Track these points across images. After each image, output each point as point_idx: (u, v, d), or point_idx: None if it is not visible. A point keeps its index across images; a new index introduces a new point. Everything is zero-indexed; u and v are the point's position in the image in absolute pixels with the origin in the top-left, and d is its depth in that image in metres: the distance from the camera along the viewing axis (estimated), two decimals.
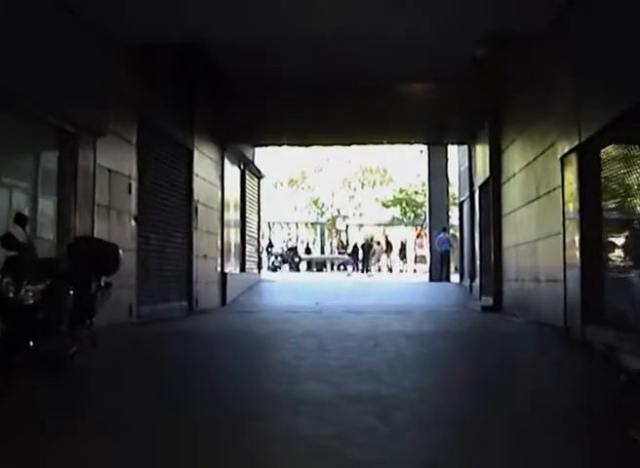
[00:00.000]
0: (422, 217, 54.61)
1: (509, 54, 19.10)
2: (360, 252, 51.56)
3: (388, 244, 50.35)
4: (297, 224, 61.73)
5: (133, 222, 16.36)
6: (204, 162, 21.99)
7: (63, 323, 8.69)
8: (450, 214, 36.64)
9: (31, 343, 7.82)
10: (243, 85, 23.28)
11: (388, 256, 48.63)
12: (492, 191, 21.16)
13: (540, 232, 16.07)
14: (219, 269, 23.65)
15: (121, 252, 10.61)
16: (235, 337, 13.93)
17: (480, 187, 23.90)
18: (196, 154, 21.04)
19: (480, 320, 18.58)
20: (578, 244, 13.10)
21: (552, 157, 14.69)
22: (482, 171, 23.14)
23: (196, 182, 20.95)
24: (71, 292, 8.87)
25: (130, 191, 16.21)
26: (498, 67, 20.40)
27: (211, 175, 22.84)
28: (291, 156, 60.52)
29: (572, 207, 13.39)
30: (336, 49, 20.50)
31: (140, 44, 15.99)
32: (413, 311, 20.83)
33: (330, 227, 63.68)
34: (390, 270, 46.39)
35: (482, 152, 23.15)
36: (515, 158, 18.84)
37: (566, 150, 13.52)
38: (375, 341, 12.98)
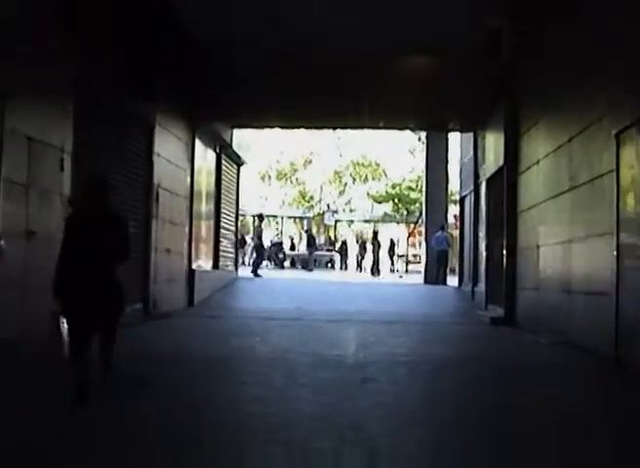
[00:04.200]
0: (416, 214, 51.61)
1: (531, 10, 15.96)
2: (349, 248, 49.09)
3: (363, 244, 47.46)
4: (282, 218, 58.55)
5: (62, 207, 12.98)
6: (168, 140, 18.74)
7: None
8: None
9: None
10: (218, 53, 20.06)
11: (363, 257, 45.98)
12: (506, 183, 17.94)
13: (577, 231, 12.79)
14: (185, 265, 20.40)
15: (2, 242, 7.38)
16: (182, 364, 10.38)
17: (489, 179, 20.72)
18: (158, 130, 17.78)
19: (495, 338, 15.18)
20: None
21: (599, 134, 11.46)
22: (493, 160, 19.94)
23: (157, 164, 17.71)
24: None
25: (62, 168, 12.86)
26: (516, 30, 17.20)
27: (177, 156, 19.58)
28: (280, 147, 57.92)
29: (632, 199, 10.11)
30: (326, 12, 17.56)
31: None
32: (409, 322, 17.62)
33: (318, 223, 60.52)
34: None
35: (494, 138, 19.97)
36: (539, 142, 15.61)
37: (627, 122, 10.23)
38: (363, 373, 9.63)
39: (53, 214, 12.62)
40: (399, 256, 47.87)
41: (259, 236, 33.23)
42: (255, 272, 30.92)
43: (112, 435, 6.49)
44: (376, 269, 40.43)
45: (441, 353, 12.24)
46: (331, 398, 8.04)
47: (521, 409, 7.99)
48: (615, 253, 10.57)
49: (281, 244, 47.42)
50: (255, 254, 32.95)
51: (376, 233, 44.95)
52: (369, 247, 44.59)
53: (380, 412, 7.56)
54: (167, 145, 18.51)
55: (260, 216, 35.04)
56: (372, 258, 41.79)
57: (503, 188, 18.13)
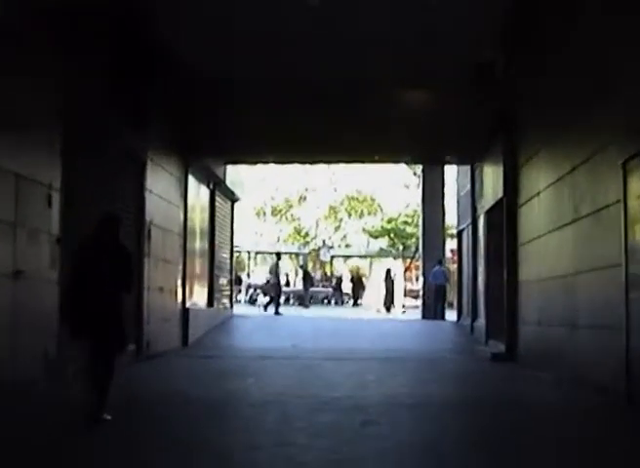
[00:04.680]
0: (412, 249, 51.19)
1: (529, 39, 15.69)
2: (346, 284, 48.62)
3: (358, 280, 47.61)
4: (277, 255, 57.96)
5: (51, 245, 12.58)
6: (161, 177, 18.37)
7: None
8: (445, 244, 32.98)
9: None
10: (211, 90, 19.75)
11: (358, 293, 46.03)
12: (505, 215, 17.54)
13: (582, 264, 12.38)
14: (179, 304, 19.96)
15: None
16: (176, 407, 9.86)
17: (488, 212, 20.30)
18: (150, 166, 17.41)
19: (497, 376, 14.68)
20: None
21: (604, 164, 11.10)
22: (491, 193, 19.57)
23: (149, 200, 17.32)
24: None
25: (50, 205, 12.47)
26: (513, 62, 16.94)
27: (170, 193, 19.19)
28: (275, 183, 57.57)
29: None
30: (321, 49, 17.59)
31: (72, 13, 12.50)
32: (408, 359, 17.20)
33: (313, 259, 60.01)
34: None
35: (492, 171, 19.61)
36: (540, 173, 15.24)
37: (633, 151, 9.87)
38: (363, 416, 9.10)
39: (41, 252, 12.24)
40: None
41: (277, 274, 33.21)
42: (276, 311, 31.26)
43: None
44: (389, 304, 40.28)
45: (443, 393, 11.66)
46: (330, 443, 7.56)
47: (536, 455, 7.47)
48: (624, 285, 10.17)
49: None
50: (272, 293, 33.22)
51: (389, 270, 45.16)
52: (378, 283, 44.23)
53: (382, 460, 7.11)
54: (159, 182, 18.14)
55: (278, 255, 35.13)
56: (384, 295, 41.64)
57: (503, 221, 17.75)
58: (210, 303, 24.34)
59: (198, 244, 23.00)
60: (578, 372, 12.25)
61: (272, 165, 37.76)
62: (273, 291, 33.11)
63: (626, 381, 10.07)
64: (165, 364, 15.54)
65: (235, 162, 25.65)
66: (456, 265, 32.48)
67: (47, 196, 12.39)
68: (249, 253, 56.15)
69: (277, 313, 31.16)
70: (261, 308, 32.55)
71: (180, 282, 20.04)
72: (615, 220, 10.56)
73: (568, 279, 13.06)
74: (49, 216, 12.49)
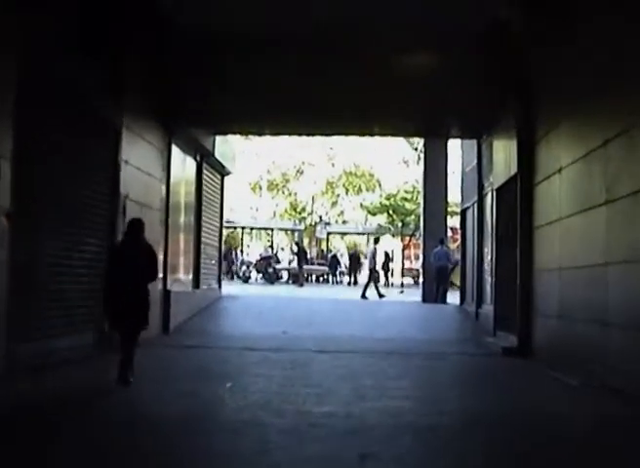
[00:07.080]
0: (411, 226, 49.60)
1: None
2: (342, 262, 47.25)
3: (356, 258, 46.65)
4: (272, 230, 56.37)
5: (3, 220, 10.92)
6: (139, 147, 16.67)
7: None
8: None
9: None
10: (198, 54, 18.05)
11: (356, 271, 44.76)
12: (520, 194, 15.79)
13: (616, 252, 10.64)
14: (159, 287, 18.23)
15: None
16: (118, 428, 8.04)
17: (498, 190, 18.55)
18: (126, 134, 15.67)
19: (515, 378, 12.78)
20: None
21: None
22: (503, 169, 17.82)
23: (125, 172, 15.62)
24: None
25: None
26: (531, 21, 15.17)
27: (149, 164, 17.48)
28: (271, 157, 56.01)
29: None
30: (319, 9, 16.23)
31: None
32: (410, 353, 15.54)
33: (309, 235, 58.29)
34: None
35: (503, 145, 17.90)
36: (561, 147, 13.49)
37: None
38: (361, 445, 7.08)
39: None
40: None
41: (374, 258, 32.57)
42: (379, 294, 30.74)
43: None
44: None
45: (457, 407, 9.75)
46: None
47: None
48: None
49: (270, 258, 45.18)
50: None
51: (387, 254, 44.48)
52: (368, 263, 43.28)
53: None
54: (137, 152, 16.42)
55: (377, 239, 35.90)
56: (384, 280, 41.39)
57: (516, 200, 16.01)
58: (196, 284, 22.68)
59: (183, 220, 21.33)
60: (605, 376, 10.58)
61: (267, 137, 35.94)
62: (371, 276, 32.17)
63: None
64: (138, 356, 13.73)
65: (225, 132, 23.89)
66: (455, 244, 30.88)
67: None
68: (243, 228, 54.59)
69: (380, 296, 30.54)
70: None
71: (160, 262, 18.35)
72: None
73: (598, 269, 11.33)
74: None
